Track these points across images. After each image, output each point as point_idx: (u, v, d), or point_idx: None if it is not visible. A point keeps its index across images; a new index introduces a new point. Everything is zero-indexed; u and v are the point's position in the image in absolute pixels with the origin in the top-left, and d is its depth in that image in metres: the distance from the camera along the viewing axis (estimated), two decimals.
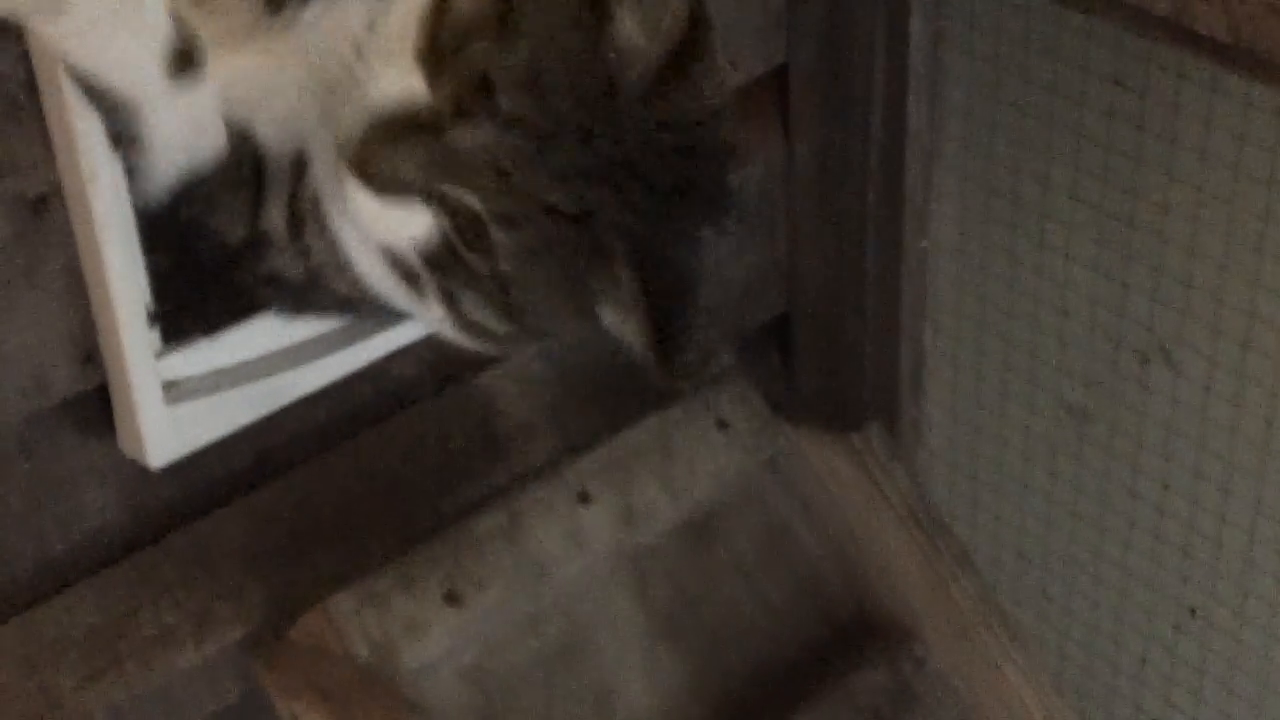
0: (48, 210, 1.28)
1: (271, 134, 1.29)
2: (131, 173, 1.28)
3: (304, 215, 1.30)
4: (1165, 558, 1.79)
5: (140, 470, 1.38)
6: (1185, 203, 1.62)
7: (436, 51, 1.20)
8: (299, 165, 1.29)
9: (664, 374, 1.28)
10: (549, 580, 1.48)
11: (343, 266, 1.31)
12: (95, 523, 1.42)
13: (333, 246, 1.30)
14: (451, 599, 1.43)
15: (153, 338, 1.33)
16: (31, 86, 1.24)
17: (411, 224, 1.22)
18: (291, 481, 1.51)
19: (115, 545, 1.44)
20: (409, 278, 1.26)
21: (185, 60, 1.24)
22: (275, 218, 1.30)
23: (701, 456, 1.58)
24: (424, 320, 1.31)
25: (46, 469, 1.38)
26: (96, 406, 1.37)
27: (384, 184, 1.20)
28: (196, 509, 1.47)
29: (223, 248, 1.32)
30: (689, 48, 1.22)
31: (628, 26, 1.21)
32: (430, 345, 1.45)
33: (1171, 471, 1.75)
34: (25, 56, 1.22)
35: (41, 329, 1.31)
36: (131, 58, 1.22)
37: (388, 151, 1.19)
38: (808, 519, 1.63)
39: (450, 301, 1.26)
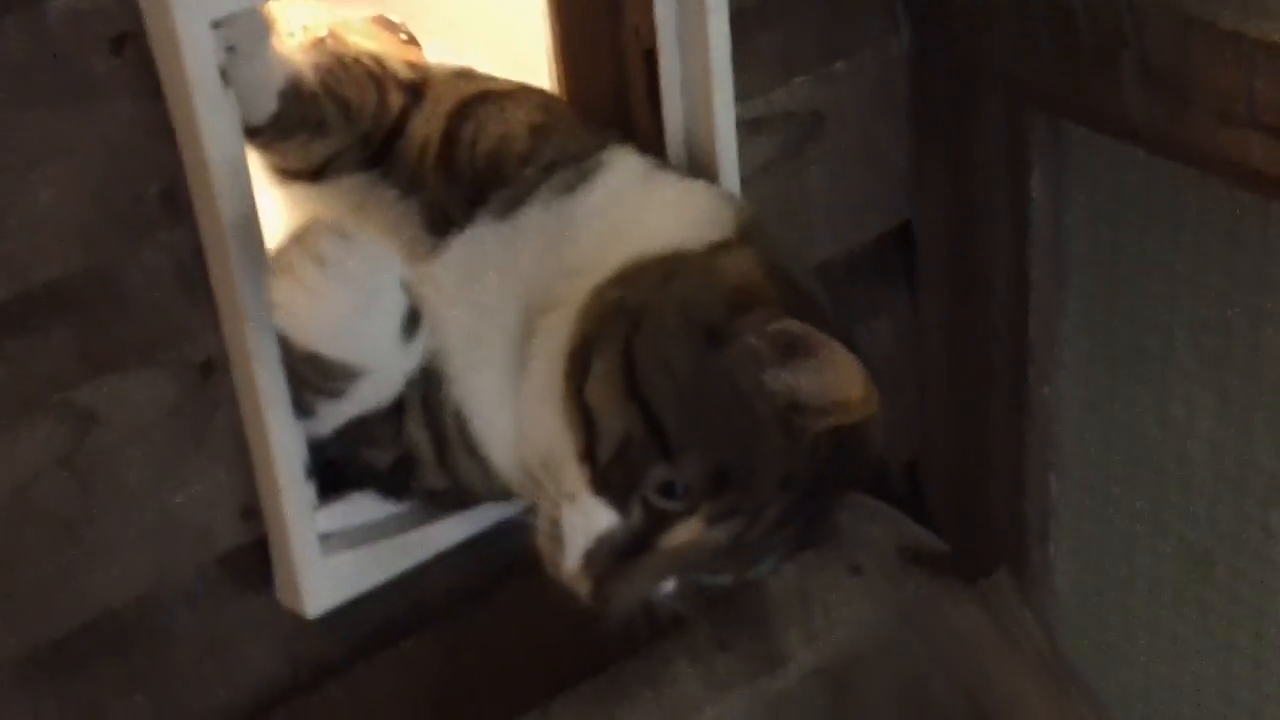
0: (213, 374, 1.32)
1: None
2: (309, 415, 1.34)
3: (445, 431, 1.35)
4: None
5: (297, 620, 1.40)
6: None
7: (610, 482, 1.25)
8: (428, 376, 1.34)
9: None
10: None
11: (493, 481, 1.37)
12: (255, 671, 1.45)
13: (484, 465, 1.36)
14: None
15: (310, 492, 1.37)
16: (199, 256, 1.28)
17: None
18: (443, 631, 1.52)
19: (275, 693, 1.46)
20: None
21: (414, 322, 1.30)
22: (416, 435, 1.35)
23: (836, 602, 1.58)
24: None
25: (208, 619, 1.41)
26: (255, 559, 1.40)
27: (626, 606, 1.27)
28: (353, 658, 1.49)
29: (376, 473, 1.39)
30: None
31: (805, 387, 1.24)
32: None
33: None
34: (194, 229, 1.27)
35: (206, 486, 1.35)
36: (375, 337, 1.27)
37: (621, 585, 1.25)
38: (940, 665, 1.62)
39: None
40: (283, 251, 1.24)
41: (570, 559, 1.26)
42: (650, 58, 1.49)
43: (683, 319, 1.26)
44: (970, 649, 1.64)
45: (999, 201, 1.74)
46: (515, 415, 1.33)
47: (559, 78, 1.57)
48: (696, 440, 1.23)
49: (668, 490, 1.23)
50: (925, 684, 1.63)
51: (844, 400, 1.22)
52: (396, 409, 1.35)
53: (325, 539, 1.40)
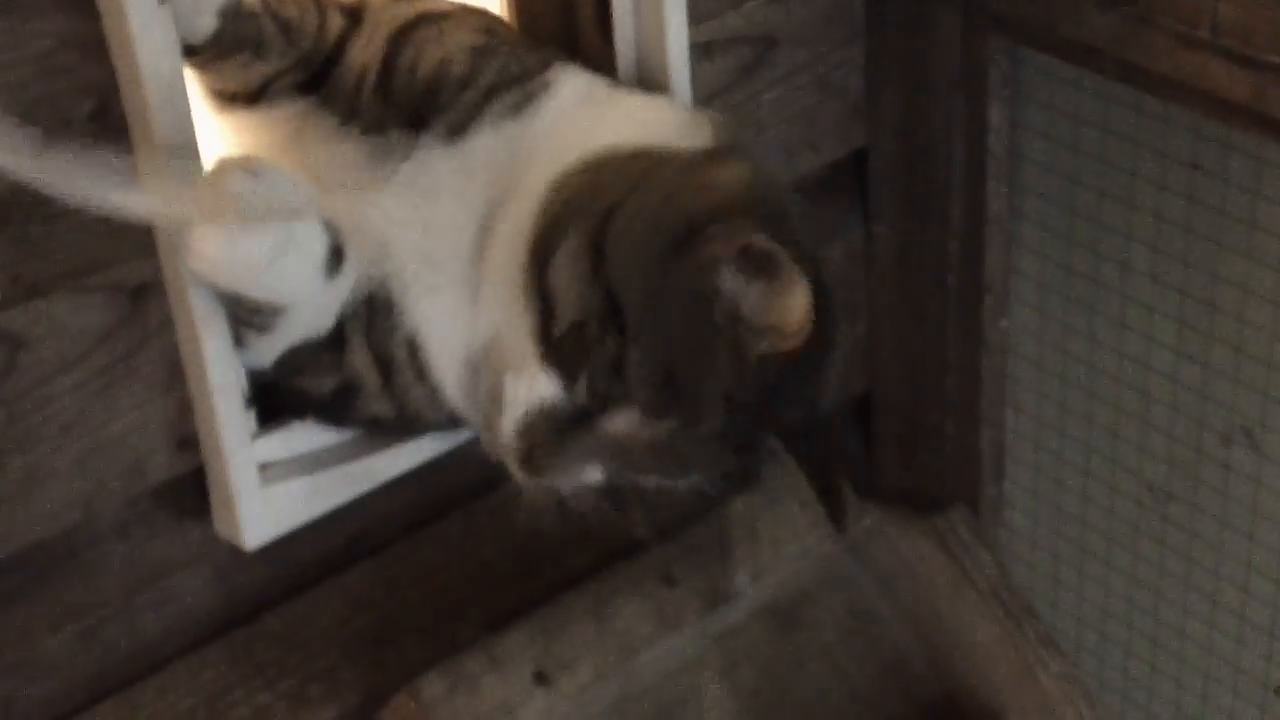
0: (147, 299, 1.29)
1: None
2: (242, 347, 1.31)
3: (394, 359, 1.33)
4: (1249, 638, 1.78)
5: (234, 552, 1.39)
6: (1266, 285, 1.61)
7: (561, 357, 1.25)
8: (374, 305, 1.32)
9: None
10: (636, 661, 1.48)
11: (442, 408, 1.36)
12: (190, 603, 1.43)
13: (434, 392, 1.35)
14: (540, 680, 1.43)
15: (249, 420, 1.35)
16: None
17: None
18: (382, 563, 1.52)
19: (209, 626, 1.45)
20: None
21: (337, 257, 1.27)
22: (359, 361, 1.33)
23: (785, 537, 1.57)
24: None
25: (142, 551, 1.39)
26: (192, 490, 1.38)
27: (557, 479, 1.28)
28: (289, 590, 1.48)
29: (315, 401, 1.37)
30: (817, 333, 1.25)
31: (751, 302, 1.23)
32: None
33: (1254, 551, 1.73)
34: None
35: (140, 415, 1.32)
36: (295, 276, 1.25)
37: (552, 456, 1.26)
38: (892, 601, 1.63)
39: None
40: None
41: (507, 422, 1.27)
42: None
43: (663, 214, 1.26)
44: (922, 585, 1.64)
45: (955, 128, 1.72)
46: (469, 338, 1.32)
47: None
48: (651, 332, 1.23)
49: (613, 374, 1.23)
50: (875, 620, 1.63)
51: (779, 324, 1.21)
52: (336, 337, 1.32)
53: (265, 468, 1.37)
